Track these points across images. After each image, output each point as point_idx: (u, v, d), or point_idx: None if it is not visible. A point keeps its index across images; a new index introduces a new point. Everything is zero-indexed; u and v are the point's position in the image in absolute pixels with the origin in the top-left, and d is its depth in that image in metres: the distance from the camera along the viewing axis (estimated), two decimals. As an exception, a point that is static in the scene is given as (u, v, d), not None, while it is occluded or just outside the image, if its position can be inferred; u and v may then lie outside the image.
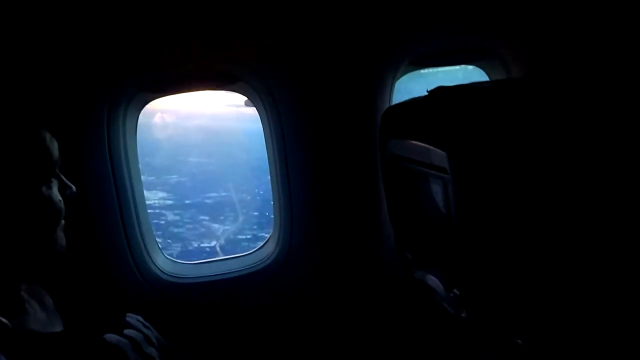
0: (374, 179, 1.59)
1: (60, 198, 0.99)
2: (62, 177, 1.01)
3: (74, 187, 1.02)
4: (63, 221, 1.01)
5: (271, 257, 1.71)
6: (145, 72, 1.50)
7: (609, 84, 0.97)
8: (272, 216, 1.77)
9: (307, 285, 1.69)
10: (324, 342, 1.69)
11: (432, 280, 1.20)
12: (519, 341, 0.91)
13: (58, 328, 1.00)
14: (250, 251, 1.81)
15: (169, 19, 1.42)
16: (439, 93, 1.03)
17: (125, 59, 1.46)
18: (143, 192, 1.67)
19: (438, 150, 0.97)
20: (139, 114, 1.60)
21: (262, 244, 1.82)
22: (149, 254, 1.66)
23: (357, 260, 1.68)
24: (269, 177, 1.75)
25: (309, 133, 1.60)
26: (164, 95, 1.63)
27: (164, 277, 1.67)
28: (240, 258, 1.78)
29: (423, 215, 1.22)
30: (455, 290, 1.07)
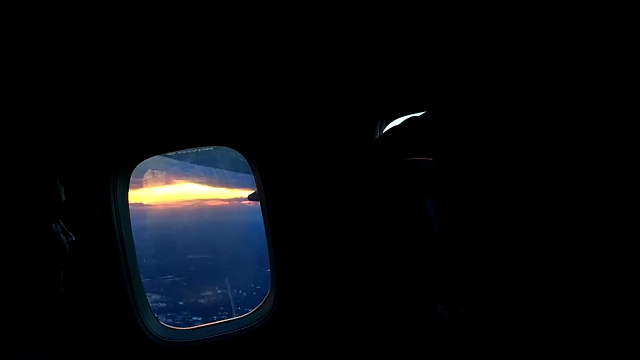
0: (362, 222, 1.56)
1: (65, 240, 0.99)
2: (63, 225, 1.02)
3: (73, 236, 1.03)
4: (64, 269, 1.00)
5: (269, 314, 1.64)
6: (132, 135, 1.54)
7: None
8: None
9: (304, 336, 1.61)
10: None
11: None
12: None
13: None
14: (245, 314, 1.73)
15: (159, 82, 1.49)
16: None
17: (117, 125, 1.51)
18: (135, 257, 1.63)
19: (427, 159, 0.98)
20: (131, 171, 1.62)
21: (260, 303, 1.75)
22: (142, 318, 1.59)
23: (352, 304, 1.61)
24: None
25: (299, 183, 1.61)
26: (157, 153, 1.65)
27: (158, 342, 1.59)
28: (236, 321, 1.70)
29: (420, 235, 1.19)
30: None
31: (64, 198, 0.99)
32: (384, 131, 1.59)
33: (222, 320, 1.73)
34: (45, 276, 0.95)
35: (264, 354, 1.61)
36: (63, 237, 0.98)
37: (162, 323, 1.67)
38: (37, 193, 0.94)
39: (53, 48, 1.30)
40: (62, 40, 1.29)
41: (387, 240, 1.34)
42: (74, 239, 1.00)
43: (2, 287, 0.90)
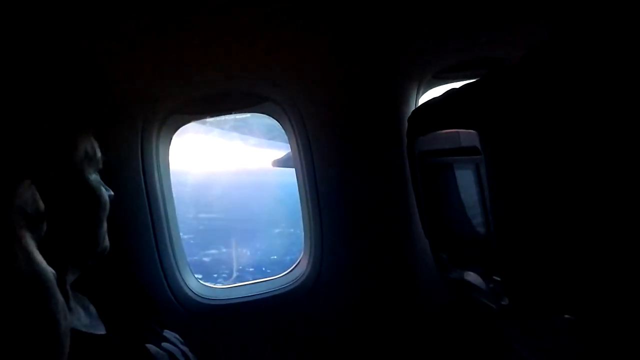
0: (403, 188, 1.59)
1: (106, 195, 1.02)
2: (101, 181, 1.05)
3: (112, 192, 1.06)
4: (106, 223, 1.04)
5: (304, 275, 1.70)
6: (174, 95, 1.57)
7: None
8: (300, 240, 1.78)
9: (341, 300, 1.66)
10: (360, 358, 1.63)
11: (470, 276, 1.17)
12: (567, 316, 0.87)
13: (101, 332, 1.01)
14: (282, 274, 1.80)
15: (194, 43, 1.50)
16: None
17: (156, 82, 1.54)
18: (176, 214, 1.70)
19: (468, 130, 0.98)
20: (172, 135, 1.66)
21: (293, 265, 1.81)
22: (181, 275, 1.67)
23: (390, 270, 1.65)
24: (297, 199, 1.76)
25: (336, 148, 1.63)
26: (195, 119, 1.69)
27: (197, 299, 1.66)
28: (273, 280, 1.77)
29: (455, 209, 1.21)
30: (495, 277, 1.04)
31: (99, 152, 1.02)
32: (421, 102, 1.59)
33: (256, 281, 1.80)
34: (90, 226, 0.98)
35: (295, 315, 1.67)
36: (103, 189, 1.01)
37: (202, 282, 1.75)
38: (70, 142, 0.96)
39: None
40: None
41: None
42: (112, 194, 1.03)
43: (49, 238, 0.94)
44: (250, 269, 2.47)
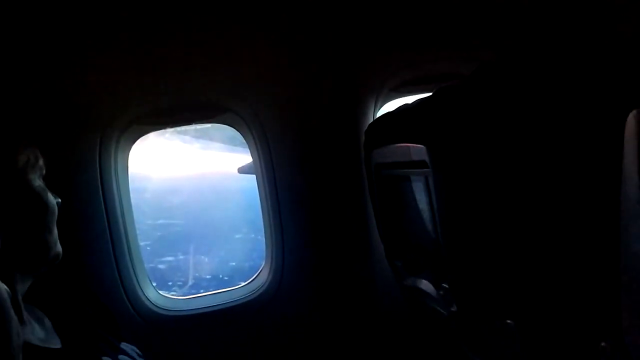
0: (362, 196, 1.63)
1: (53, 200, 1.02)
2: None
3: (59, 199, 1.06)
4: (56, 229, 1.04)
5: (265, 283, 1.71)
6: (135, 105, 1.57)
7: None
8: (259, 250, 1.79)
9: (303, 306, 1.69)
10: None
11: (423, 283, 1.22)
12: (509, 322, 0.92)
13: (57, 346, 1.00)
14: (243, 283, 1.80)
15: (154, 54, 1.51)
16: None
17: (115, 93, 1.54)
18: (134, 224, 1.68)
19: (417, 145, 1.03)
20: (131, 145, 1.65)
21: (255, 274, 1.82)
22: (141, 287, 1.66)
23: (350, 276, 1.69)
24: (259, 205, 1.77)
25: (296, 157, 1.66)
26: (156, 129, 1.69)
27: (156, 310, 1.65)
28: (233, 291, 1.77)
29: (409, 219, 1.26)
30: (444, 285, 1.08)
31: (41, 160, 1.02)
32: (377, 116, 1.64)
33: (217, 291, 1.80)
34: (37, 231, 0.98)
35: (257, 324, 1.68)
36: (50, 195, 1.01)
37: (161, 292, 1.74)
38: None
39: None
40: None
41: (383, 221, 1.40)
42: (59, 201, 1.04)
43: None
44: (207, 276, 2.43)
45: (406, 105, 1.14)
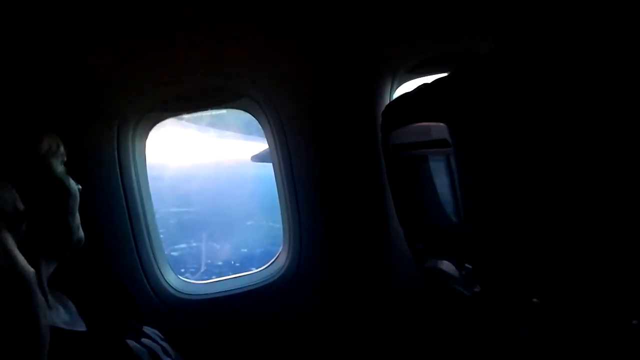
0: (379, 180, 1.62)
1: (75, 186, 1.04)
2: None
3: (80, 186, 1.07)
4: (78, 215, 1.05)
5: (282, 269, 1.72)
6: (150, 93, 1.56)
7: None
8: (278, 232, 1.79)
9: (320, 292, 1.69)
10: (339, 349, 1.66)
11: (444, 265, 1.20)
12: (535, 300, 0.91)
13: (82, 329, 1.02)
14: (262, 267, 1.81)
15: (171, 42, 1.50)
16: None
17: (132, 80, 1.53)
18: (153, 210, 1.69)
19: (438, 123, 1.01)
20: (148, 133, 1.66)
21: (273, 259, 1.82)
22: (161, 271, 1.67)
23: (368, 261, 1.68)
24: (272, 193, 1.77)
25: (313, 141, 1.65)
26: (172, 115, 1.69)
27: (176, 294, 1.67)
28: (252, 275, 1.78)
29: (429, 200, 1.24)
30: (467, 265, 1.07)
31: (62, 147, 1.04)
32: (394, 97, 1.62)
33: (237, 275, 1.81)
34: (61, 216, 1.00)
35: (276, 307, 1.69)
36: (71, 180, 1.03)
37: (181, 277, 1.75)
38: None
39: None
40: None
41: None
42: (81, 187, 1.06)
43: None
44: (219, 263, 2.45)
45: (425, 84, 1.12)
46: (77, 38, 1.42)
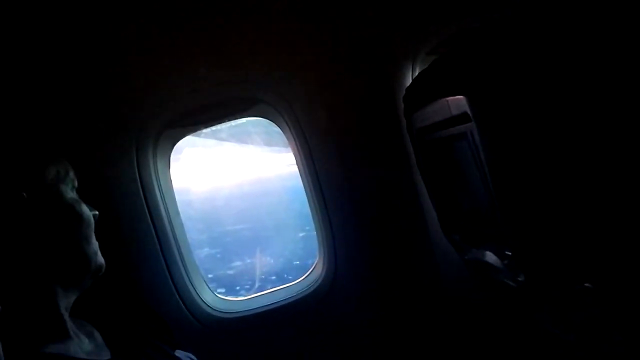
0: (409, 175, 1.52)
1: (88, 211, 1.01)
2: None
3: (96, 211, 1.05)
4: (95, 240, 1.03)
5: (320, 278, 1.64)
6: (167, 108, 1.54)
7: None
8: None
9: (360, 298, 1.60)
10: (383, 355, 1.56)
11: (486, 255, 1.09)
12: (588, 285, 0.78)
13: (106, 358, 1.00)
14: (298, 280, 1.74)
15: (186, 51, 1.47)
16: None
17: (147, 96, 1.51)
18: (183, 228, 1.66)
19: (456, 97, 0.91)
20: (170, 150, 1.64)
21: (310, 270, 1.75)
22: (196, 291, 1.63)
23: (406, 261, 1.58)
24: (307, 201, 1.70)
25: (335, 143, 1.57)
26: (192, 131, 1.66)
27: (213, 313, 1.63)
28: (288, 288, 1.71)
29: (460, 186, 1.13)
30: (507, 253, 0.95)
31: (72, 172, 1.02)
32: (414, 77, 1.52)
33: (272, 289, 1.75)
34: (74, 243, 0.97)
35: (315, 318, 1.62)
36: (84, 206, 1.00)
37: (218, 295, 1.70)
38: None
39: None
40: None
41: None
42: (96, 213, 1.03)
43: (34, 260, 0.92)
44: (272, 277, 2.42)
45: (438, 58, 1.02)
46: (89, 57, 1.42)
